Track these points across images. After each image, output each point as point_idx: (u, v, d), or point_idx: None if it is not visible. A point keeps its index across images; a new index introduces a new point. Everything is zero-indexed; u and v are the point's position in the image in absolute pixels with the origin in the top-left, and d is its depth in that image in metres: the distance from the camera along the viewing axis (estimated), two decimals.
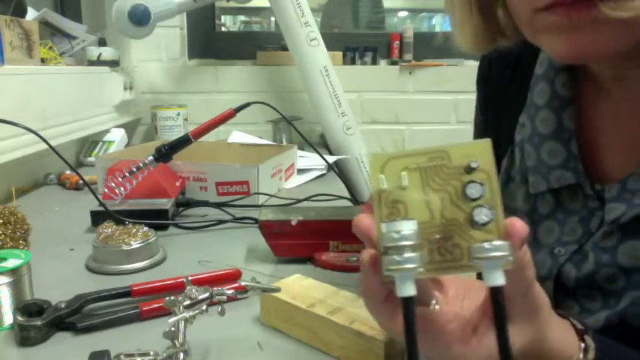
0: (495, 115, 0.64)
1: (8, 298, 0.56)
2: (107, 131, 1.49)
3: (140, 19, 1.42)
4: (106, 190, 0.92)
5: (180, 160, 1.04)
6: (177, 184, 1.02)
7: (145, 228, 0.75)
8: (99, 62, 1.50)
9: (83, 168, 1.38)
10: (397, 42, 1.88)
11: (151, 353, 0.45)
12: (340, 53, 1.85)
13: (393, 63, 1.89)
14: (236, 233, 0.87)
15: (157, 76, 1.84)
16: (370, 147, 1.71)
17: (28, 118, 0.97)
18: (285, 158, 1.20)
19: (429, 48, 1.87)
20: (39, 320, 0.52)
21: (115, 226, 0.75)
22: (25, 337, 0.52)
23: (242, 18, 2.87)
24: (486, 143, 0.30)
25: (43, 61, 1.20)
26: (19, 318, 0.52)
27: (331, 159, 1.31)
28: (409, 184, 0.31)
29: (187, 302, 0.47)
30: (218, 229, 0.89)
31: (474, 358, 0.33)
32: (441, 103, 1.90)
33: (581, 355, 0.37)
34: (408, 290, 0.29)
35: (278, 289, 0.54)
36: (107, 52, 1.52)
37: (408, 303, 0.29)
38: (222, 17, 2.58)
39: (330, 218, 0.72)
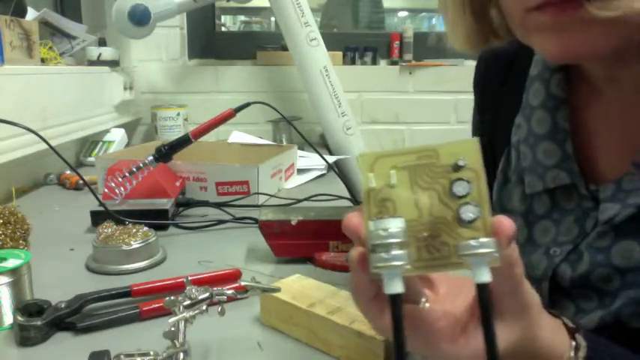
0: (492, 117, 0.64)
1: (8, 298, 0.56)
2: (107, 131, 1.50)
3: (140, 19, 1.42)
4: (106, 190, 0.92)
5: (180, 160, 1.04)
6: (177, 184, 1.02)
7: (145, 228, 0.75)
8: (99, 62, 1.50)
9: (83, 168, 1.38)
10: (397, 42, 1.88)
11: (151, 353, 0.45)
12: (340, 53, 1.85)
13: (393, 63, 1.89)
14: (236, 233, 0.87)
15: (156, 76, 1.84)
16: (370, 147, 1.71)
17: (28, 118, 0.98)
18: (285, 158, 1.20)
19: (429, 48, 1.87)
20: (39, 320, 0.52)
21: (115, 226, 0.75)
22: (25, 337, 0.52)
23: (242, 18, 2.88)
24: (474, 142, 0.30)
25: (43, 61, 1.20)
26: (19, 318, 0.52)
27: (331, 159, 1.31)
28: (398, 183, 0.31)
29: (187, 302, 0.47)
30: (218, 229, 0.89)
31: (463, 357, 0.33)
32: (440, 103, 1.90)
33: (572, 354, 0.37)
34: (396, 287, 0.29)
35: (278, 289, 0.54)
36: (107, 52, 1.52)
37: (395, 300, 0.29)
38: (222, 17, 2.58)
39: (330, 218, 0.72)
